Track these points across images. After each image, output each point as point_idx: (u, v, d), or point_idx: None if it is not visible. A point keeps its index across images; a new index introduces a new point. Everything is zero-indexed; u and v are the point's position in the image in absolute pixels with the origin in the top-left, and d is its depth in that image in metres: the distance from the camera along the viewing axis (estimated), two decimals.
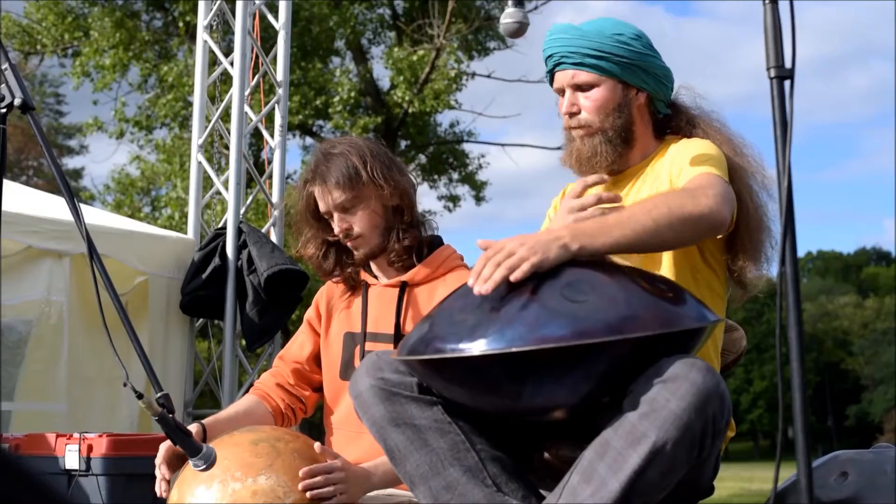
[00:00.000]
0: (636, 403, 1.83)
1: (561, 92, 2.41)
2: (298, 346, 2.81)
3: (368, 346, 2.63)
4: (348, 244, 2.68)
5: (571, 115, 2.38)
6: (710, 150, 2.27)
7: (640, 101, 2.39)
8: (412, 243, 2.66)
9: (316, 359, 2.79)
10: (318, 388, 2.80)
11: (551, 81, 2.45)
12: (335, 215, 2.65)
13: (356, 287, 2.75)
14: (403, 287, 2.67)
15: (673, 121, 2.46)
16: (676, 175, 2.26)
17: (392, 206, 2.65)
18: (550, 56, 2.40)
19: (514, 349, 1.79)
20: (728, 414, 1.88)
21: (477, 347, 1.82)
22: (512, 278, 1.88)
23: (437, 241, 2.75)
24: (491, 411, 1.99)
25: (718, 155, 2.26)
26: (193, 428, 2.47)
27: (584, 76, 2.36)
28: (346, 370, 2.66)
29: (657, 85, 2.40)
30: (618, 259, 2.10)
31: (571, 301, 1.85)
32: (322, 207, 2.67)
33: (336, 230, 2.66)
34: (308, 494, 2.21)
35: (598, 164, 2.36)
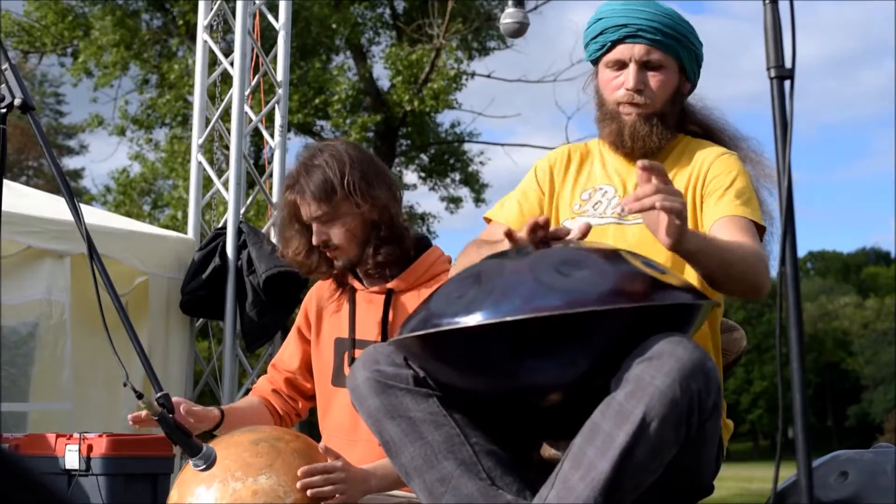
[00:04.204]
0: (623, 383, 1.83)
1: (616, 64, 2.37)
2: (289, 355, 2.81)
3: (357, 353, 2.62)
4: (328, 254, 2.67)
5: (639, 91, 2.34)
6: (749, 188, 2.29)
7: (684, 91, 2.42)
8: (386, 259, 2.63)
9: (307, 368, 2.79)
10: (310, 397, 2.81)
11: (606, 51, 2.38)
12: (314, 226, 2.64)
13: (345, 286, 2.73)
14: (389, 294, 2.66)
15: (686, 122, 2.47)
16: (718, 192, 2.27)
17: (370, 220, 2.62)
18: (624, 25, 2.33)
19: (509, 318, 1.81)
20: (716, 393, 1.87)
21: (473, 319, 1.84)
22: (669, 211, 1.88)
23: (424, 244, 2.73)
24: (488, 393, 2.00)
25: (752, 187, 2.30)
26: (214, 411, 2.55)
27: (658, 55, 2.33)
28: (338, 376, 2.67)
29: (697, 78, 2.43)
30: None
31: (566, 276, 1.87)
32: (304, 216, 2.66)
33: (314, 241, 2.65)
34: (308, 493, 2.21)
35: (650, 143, 2.36)
